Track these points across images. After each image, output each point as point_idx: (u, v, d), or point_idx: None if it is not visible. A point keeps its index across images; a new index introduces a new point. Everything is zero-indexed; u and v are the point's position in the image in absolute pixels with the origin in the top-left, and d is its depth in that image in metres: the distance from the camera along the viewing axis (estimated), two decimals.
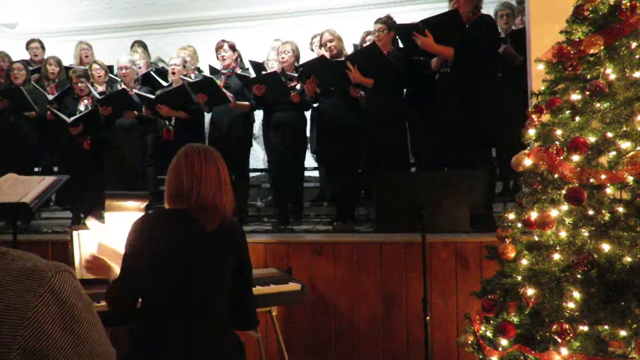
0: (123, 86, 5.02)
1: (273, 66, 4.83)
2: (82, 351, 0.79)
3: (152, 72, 5.42)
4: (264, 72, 4.74)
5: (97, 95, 4.88)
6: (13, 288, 0.75)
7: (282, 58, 4.70)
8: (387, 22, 4.36)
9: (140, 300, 1.93)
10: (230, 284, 1.89)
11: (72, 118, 4.75)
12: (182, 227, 1.86)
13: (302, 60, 4.77)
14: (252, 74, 4.86)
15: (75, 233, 2.62)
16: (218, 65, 5.15)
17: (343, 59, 4.31)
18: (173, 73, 4.86)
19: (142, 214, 1.99)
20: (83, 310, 0.80)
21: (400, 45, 4.34)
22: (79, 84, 4.95)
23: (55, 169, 5.31)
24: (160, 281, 1.82)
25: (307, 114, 4.93)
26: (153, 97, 4.72)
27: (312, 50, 5.19)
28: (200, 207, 1.86)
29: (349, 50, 4.78)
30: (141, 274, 1.85)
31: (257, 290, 2.62)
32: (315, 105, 4.80)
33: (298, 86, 4.57)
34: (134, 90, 4.95)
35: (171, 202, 1.93)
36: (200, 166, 1.89)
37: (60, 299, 0.78)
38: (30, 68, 5.52)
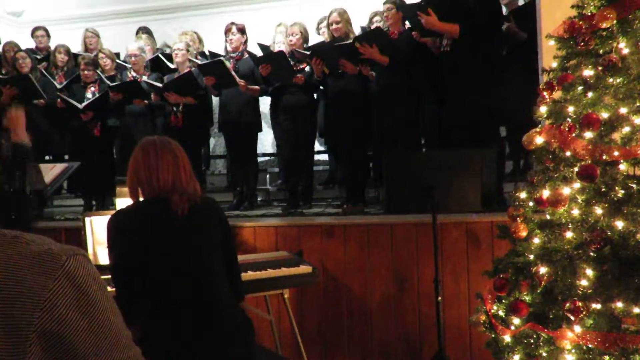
0: (133, 74, 5.01)
1: (281, 48, 4.78)
2: (99, 333, 0.80)
3: (160, 55, 5.40)
4: (270, 51, 4.70)
5: (108, 82, 4.89)
6: (28, 272, 0.75)
7: (290, 40, 4.66)
8: (395, 2, 4.31)
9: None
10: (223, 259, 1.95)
11: (83, 104, 4.77)
12: (161, 214, 1.88)
13: (310, 43, 4.73)
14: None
15: (87, 220, 2.65)
16: (221, 50, 5.11)
17: (351, 41, 4.26)
18: (176, 56, 4.83)
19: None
20: (98, 293, 0.81)
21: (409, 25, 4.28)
22: (86, 72, 4.96)
23: (66, 156, 5.34)
24: (159, 272, 1.84)
25: (316, 96, 4.90)
26: (161, 85, 4.71)
27: (319, 34, 5.13)
28: (166, 193, 1.89)
29: (356, 33, 4.71)
30: (136, 272, 1.85)
31: (269, 273, 2.64)
32: (321, 87, 4.77)
33: (307, 68, 4.53)
34: (144, 77, 4.95)
35: (133, 194, 1.96)
36: (156, 156, 1.92)
37: (76, 282, 0.78)
38: (38, 57, 5.52)
